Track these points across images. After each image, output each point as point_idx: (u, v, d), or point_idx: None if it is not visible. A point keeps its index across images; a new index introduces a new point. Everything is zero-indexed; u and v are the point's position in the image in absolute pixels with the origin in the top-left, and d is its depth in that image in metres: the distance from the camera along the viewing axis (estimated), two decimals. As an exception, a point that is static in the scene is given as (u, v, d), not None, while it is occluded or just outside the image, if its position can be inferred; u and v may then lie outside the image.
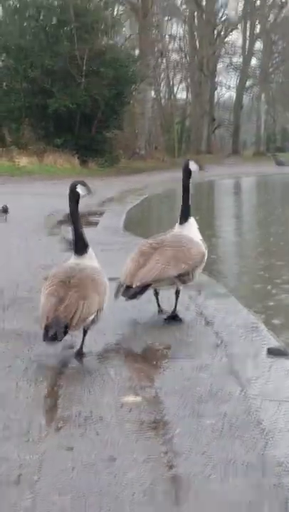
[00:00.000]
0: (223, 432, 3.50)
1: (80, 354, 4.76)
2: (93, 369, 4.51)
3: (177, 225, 6.05)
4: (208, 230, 12.79)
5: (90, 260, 5.06)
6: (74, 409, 3.78)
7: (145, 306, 5.95)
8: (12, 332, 5.31)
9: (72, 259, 5.06)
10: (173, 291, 5.79)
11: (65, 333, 4.52)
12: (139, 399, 3.95)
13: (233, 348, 4.97)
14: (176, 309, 5.77)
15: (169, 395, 4.02)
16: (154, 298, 5.90)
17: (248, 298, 7.78)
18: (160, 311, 5.92)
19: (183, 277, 5.68)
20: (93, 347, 4.90)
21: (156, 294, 5.91)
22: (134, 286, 5.43)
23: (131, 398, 3.95)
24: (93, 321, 4.77)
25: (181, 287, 5.76)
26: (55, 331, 4.48)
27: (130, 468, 3.08)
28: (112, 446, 3.30)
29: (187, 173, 6.25)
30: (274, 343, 5.15)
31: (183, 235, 5.89)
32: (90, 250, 5.10)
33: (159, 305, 5.94)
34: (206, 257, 5.86)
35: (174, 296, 5.78)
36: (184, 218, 6.06)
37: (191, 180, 6.30)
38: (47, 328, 4.51)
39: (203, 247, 5.88)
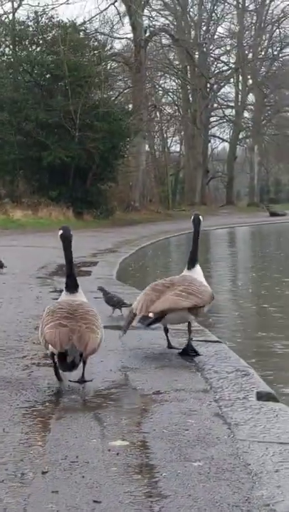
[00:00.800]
0: (209, 474, 3.48)
1: (83, 381, 4.97)
2: (81, 414, 4.49)
3: (185, 270, 6.42)
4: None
5: (82, 297, 5.30)
6: (60, 453, 3.76)
7: (134, 351, 5.95)
8: (1, 379, 5.30)
9: (66, 297, 5.26)
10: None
11: (81, 361, 4.75)
12: (126, 443, 3.93)
13: (222, 392, 4.97)
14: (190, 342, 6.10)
15: (156, 439, 4.01)
16: (142, 343, 5.95)
17: (240, 344, 7.78)
18: (170, 347, 6.24)
19: (195, 310, 6.02)
20: (81, 393, 4.90)
21: (166, 330, 6.23)
22: (150, 315, 5.80)
23: (118, 442, 3.94)
24: (94, 351, 4.95)
25: (193, 321, 6.16)
26: (72, 358, 4.68)
27: (115, 510, 3.06)
28: (97, 489, 3.28)
29: (197, 223, 6.58)
30: (264, 387, 5.15)
31: (193, 277, 6.26)
32: (80, 288, 5.33)
33: (168, 340, 6.26)
34: (213, 298, 6.21)
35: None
36: (191, 264, 6.43)
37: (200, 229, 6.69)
38: (62, 356, 4.71)
39: (210, 289, 6.28)
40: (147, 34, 50.32)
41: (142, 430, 4.16)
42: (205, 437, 4.03)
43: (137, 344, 6.47)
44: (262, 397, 4.85)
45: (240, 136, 75.92)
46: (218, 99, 73.03)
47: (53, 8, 43.99)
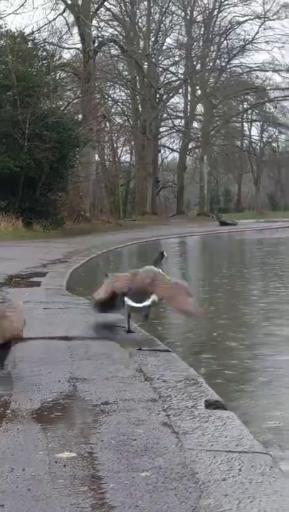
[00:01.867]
0: (157, 484, 3.46)
1: None
2: (28, 426, 4.44)
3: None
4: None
5: None
6: (7, 466, 3.71)
7: (83, 362, 5.92)
8: None
9: None
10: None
11: None
12: (73, 454, 3.90)
13: (170, 401, 4.96)
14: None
15: (104, 450, 3.98)
16: (91, 353, 5.93)
17: (188, 353, 7.80)
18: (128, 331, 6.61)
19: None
20: (28, 404, 4.85)
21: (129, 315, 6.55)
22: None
23: (65, 454, 3.90)
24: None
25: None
26: None
27: (61, 523, 3.03)
28: (43, 501, 3.24)
29: (159, 258, 6.77)
30: (213, 395, 5.16)
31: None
32: None
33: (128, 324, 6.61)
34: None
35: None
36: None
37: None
38: None
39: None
40: (96, 44, 50.38)
41: (89, 441, 4.13)
42: (153, 447, 4.01)
43: (86, 355, 6.44)
44: (210, 405, 4.85)
45: (190, 147, 76.41)
46: (168, 109, 73.47)
47: (0, 18, 43.72)
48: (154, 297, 5.87)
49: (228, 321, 10.85)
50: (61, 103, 45.22)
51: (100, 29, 55.74)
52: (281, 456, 4.67)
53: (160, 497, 3.30)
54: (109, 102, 64.17)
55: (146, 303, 5.81)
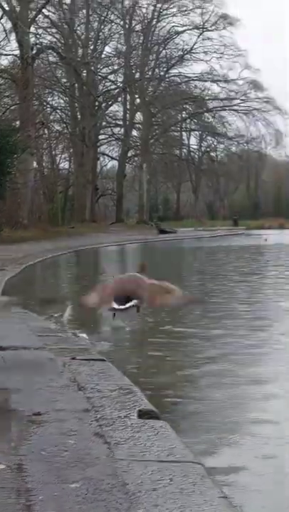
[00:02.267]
0: (87, 496, 3.42)
1: None
2: None
3: None
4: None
5: None
6: None
7: (15, 371, 5.85)
8: None
9: None
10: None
11: None
12: (2, 466, 3.83)
13: (103, 411, 4.93)
14: None
15: (34, 461, 3.92)
16: (24, 362, 5.86)
17: (123, 362, 7.77)
18: None
19: None
20: None
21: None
22: None
23: (-6, 466, 3.83)
24: None
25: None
26: None
27: (-13, 538, 2.97)
28: None
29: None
30: (146, 405, 5.14)
31: None
32: None
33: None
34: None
35: None
36: None
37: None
38: None
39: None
40: (34, 51, 50.14)
41: (19, 453, 4.07)
42: (84, 458, 3.97)
43: (18, 364, 6.36)
44: (143, 415, 4.83)
45: (129, 155, 76.58)
46: (107, 117, 73.52)
47: None
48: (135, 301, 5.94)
49: (164, 334, 10.85)
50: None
51: (38, 36, 55.58)
52: (213, 466, 4.67)
53: (89, 508, 3.27)
54: (48, 108, 63.92)
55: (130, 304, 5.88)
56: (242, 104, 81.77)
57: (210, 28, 74.28)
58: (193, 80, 77.36)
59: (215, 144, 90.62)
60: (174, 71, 75.82)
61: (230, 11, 75.64)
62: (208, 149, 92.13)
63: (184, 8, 72.53)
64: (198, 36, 74.36)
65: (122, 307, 5.72)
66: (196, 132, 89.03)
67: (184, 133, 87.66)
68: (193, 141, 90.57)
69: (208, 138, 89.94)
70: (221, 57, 75.58)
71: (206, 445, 5.25)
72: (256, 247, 39.03)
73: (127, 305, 5.79)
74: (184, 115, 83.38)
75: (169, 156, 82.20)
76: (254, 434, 5.54)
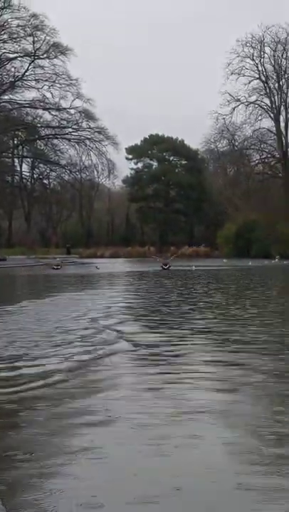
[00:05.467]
0: None
1: None
2: None
3: None
4: None
5: None
6: None
7: None
8: None
9: None
10: None
11: None
12: None
13: None
14: None
15: None
16: None
17: None
18: None
19: None
20: None
21: None
22: None
23: None
24: None
25: None
26: None
27: None
28: None
29: None
30: None
31: None
32: None
33: None
34: None
35: None
36: None
37: None
38: None
39: None
40: None
41: None
42: None
43: None
44: None
45: None
46: None
47: None
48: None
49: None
50: None
51: None
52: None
53: None
54: None
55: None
56: (74, 133, 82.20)
57: (42, 56, 74.20)
58: (24, 106, 76.85)
59: (48, 171, 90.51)
60: (5, 97, 74.97)
61: (64, 41, 75.65)
62: (40, 176, 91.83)
63: (16, 35, 72.09)
64: (30, 64, 74.09)
65: (165, 267, 31.38)
66: (29, 159, 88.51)
67: (16, 159, 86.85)
68: (25, 168, 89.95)
69: (41, 165, 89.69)
70: (52, 86, 75.60)
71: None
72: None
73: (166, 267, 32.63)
74: (15, 142, 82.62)
75: (1, 183, 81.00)
76: None
